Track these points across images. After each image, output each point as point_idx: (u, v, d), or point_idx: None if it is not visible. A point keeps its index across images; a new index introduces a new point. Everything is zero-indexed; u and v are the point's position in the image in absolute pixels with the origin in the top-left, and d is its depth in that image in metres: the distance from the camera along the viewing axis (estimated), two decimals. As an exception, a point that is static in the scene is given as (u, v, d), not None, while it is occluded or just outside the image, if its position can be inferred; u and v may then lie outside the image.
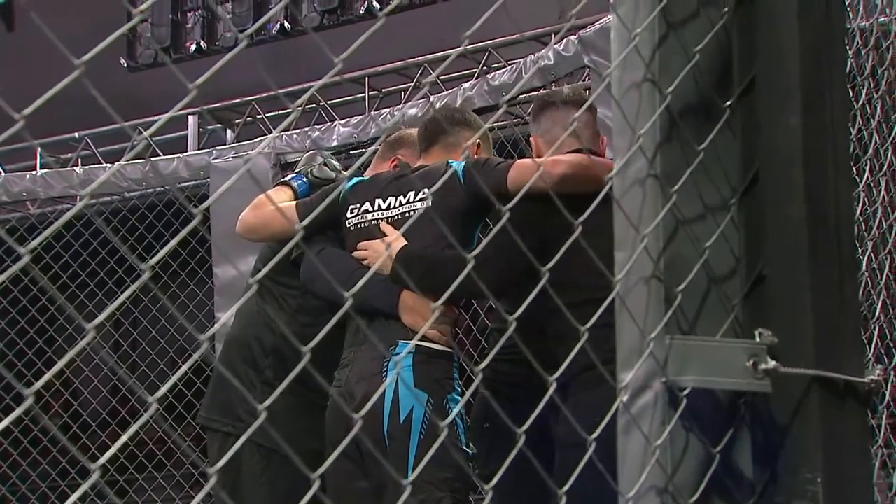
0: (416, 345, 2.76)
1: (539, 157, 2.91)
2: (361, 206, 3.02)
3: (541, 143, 2.97)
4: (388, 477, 2.64)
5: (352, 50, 1.11)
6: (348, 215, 3.04)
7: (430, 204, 2.84)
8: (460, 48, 1.33)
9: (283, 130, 5.68)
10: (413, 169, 3.07)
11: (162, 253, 0.94)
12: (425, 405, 2.73)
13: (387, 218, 2.96)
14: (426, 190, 2.90)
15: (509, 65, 5.58)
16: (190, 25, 9.28)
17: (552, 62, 4.82)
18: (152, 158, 6.44)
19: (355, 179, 3.13)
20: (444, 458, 2.52)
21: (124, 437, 1.06)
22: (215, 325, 1.18)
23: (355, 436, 2.95)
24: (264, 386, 3.09)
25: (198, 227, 0.98)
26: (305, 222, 2.91)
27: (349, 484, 2.80)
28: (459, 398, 2.77)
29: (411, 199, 2.95)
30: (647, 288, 1.42)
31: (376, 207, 3.00)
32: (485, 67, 6.67)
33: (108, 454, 1.01)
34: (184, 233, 0.96)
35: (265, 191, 4.01)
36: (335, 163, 3.45)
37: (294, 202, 3.18)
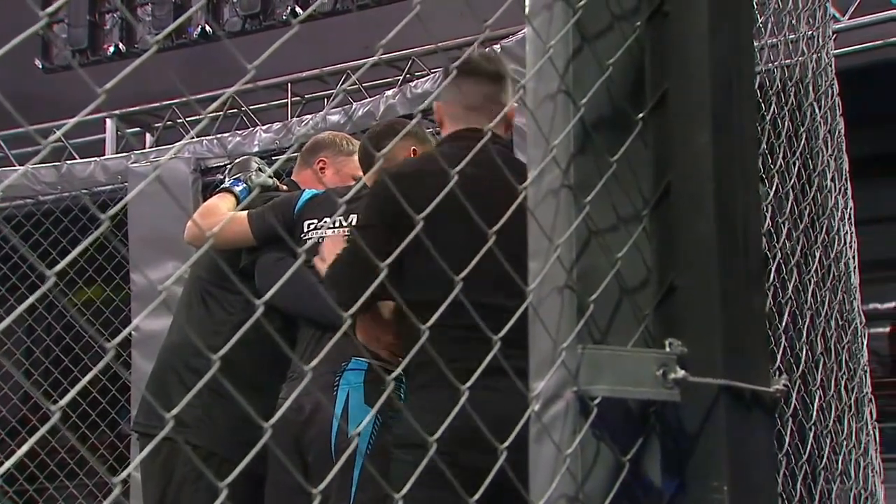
0: (369, 363, 2.75)
1: (440, 125, 2.78)
2: (320, 220, 3.00)
3: (443, 112, 2.77)
4: (330, 491, 2.62)
5: (264, 57, 1.10)
6: (305, 229, 3.01)
7: None
8: (374, 57, 1.32)
9: (199, 136, 5.61)
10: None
11: (66, 260, 0.92)
12: (373, 423, 2.72)
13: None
14: None
15: (432, 73, 5.59)
16: (108, 27, 9.12)
17: (474, 71, 4.84)
18: (68, 162, 6.32)
19: (310, 192, 3.11)
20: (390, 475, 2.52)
21: (27, 445, 1.04)
22: (124, 332, 1.16)
23: (301, 449, 2.92)
24: (212, 392, 3.00)
25: (109, 232, 0.96)
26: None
27: (290, 497, 2.77)
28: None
29: None
30: (560, 297, 1.43)
31: (336, 225, 2.97)
32: (408, 75, 6.68)
33: (8, 462, 0.98)
34: (87, 241, 0.94)
35: (176, 197, 3.96)
36: (267, 168, 3.45)
37: (245, 211, 3.14)
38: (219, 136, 5.92)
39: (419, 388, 2.40)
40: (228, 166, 3.79)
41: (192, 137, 5.59)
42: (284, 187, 3.47)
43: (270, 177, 3.44)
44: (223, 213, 3.24)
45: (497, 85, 2.67)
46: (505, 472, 1.30)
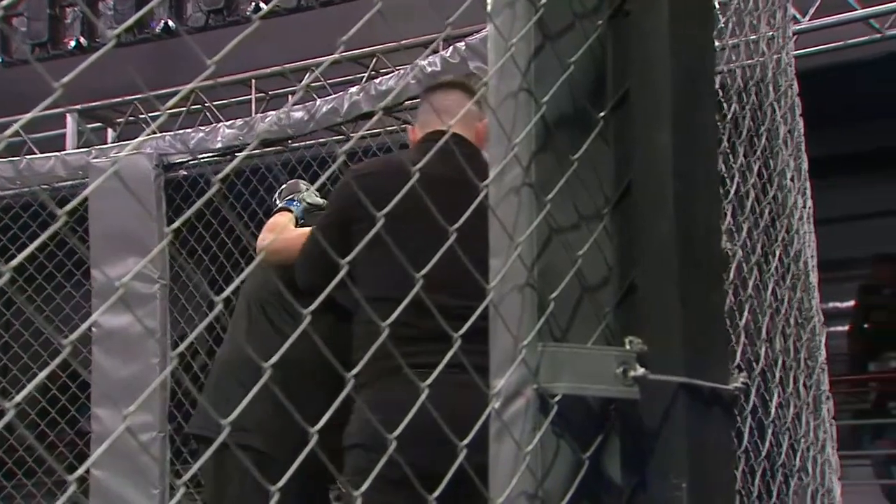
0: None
1: (413, 141, 2.90)
2: None
3: (416, 131, 2.91)
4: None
5: (224, 52, 1.09)
6: None
7: None
8: (336, 54, 1.32)
9: (162, 131, 5.57)
10: None
11: (21, 256, 0.91)
12: None
13: None
14: None
15: (397, 70, 5.57)
16: (69, 21, 9.03)
17: (438, 68, 4.84)
18: (27, 157, 6.25)
19: None
20: None
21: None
22: (81, 327, 1.14)
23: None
24: (272, 405, 3.04)
25: (69, 228, 0.95)
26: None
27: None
28: None
29: None
30: (521, 295, 1.43)
31: None
32: (373, 72, 6.67)
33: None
34: (44, 236, 0.93)
35: (136, 192, 3.97)
36: (313, 189, 3.58)
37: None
38: (181, 131, 5.86)
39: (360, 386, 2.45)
40: (279, 190, 3.91)
41: (153, 132, 5.55)
42: None
43: (320, 197, 3.57)
44: (290, 228, 3.33)
45: (466, 94, 2.79)
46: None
